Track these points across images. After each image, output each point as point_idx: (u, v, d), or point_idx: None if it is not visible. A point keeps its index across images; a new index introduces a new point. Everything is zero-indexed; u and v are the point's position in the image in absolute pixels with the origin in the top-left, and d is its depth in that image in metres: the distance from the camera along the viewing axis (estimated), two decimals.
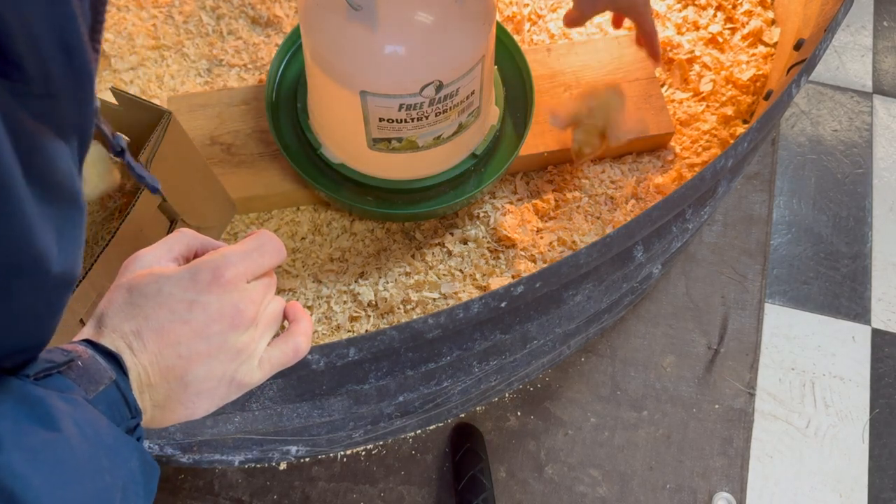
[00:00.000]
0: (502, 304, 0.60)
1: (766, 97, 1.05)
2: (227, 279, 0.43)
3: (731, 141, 1.01)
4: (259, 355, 0.45)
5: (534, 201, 1.03)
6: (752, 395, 1.02)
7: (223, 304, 0.42)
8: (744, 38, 1.15)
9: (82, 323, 0.75)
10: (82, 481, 0.32)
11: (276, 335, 0.48)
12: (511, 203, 1.03)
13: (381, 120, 0.82)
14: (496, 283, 0.96)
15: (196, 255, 0.48)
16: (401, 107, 0.80)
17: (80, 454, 0.32)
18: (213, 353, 0.42)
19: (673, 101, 1.11)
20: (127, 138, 0.55)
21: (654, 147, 1.07)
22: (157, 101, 1.07)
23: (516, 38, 1.06)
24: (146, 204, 0.79)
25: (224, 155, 0.99)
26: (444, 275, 0.97)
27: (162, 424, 0.42)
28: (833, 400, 1.07)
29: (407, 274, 0.98)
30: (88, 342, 0.39)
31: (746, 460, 0.99)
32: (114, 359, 0.39)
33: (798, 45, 0.93)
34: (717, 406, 1.01)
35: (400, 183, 0.94)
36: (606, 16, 1.17)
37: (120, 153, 0.47)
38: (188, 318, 0.41)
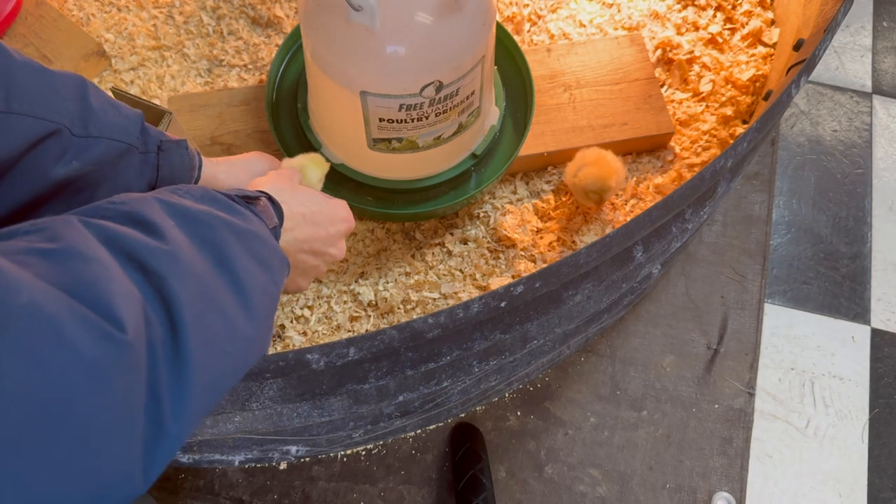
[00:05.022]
0: (502, 304, 0.60)
1: (766, 97, 1.05)
2: (343, 234, 0.64)
3: (731, 141, 1.01)
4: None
5: (534, 201, 1.03)
6: (752, 395, 1.03)
7: (340, 251, 0.64)
8: (743, 38, 1.15)
9: None
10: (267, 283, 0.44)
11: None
12: (511, 203, 1.03)
13: (381, 120, 0.82)
14: (496, 283, 0.96)
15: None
16: (401, 107, 0.80)
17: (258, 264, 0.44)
18: (314, 264, 0.62)
19: (672, 101, 1.11)
20: None
21: (653, 147, 1.07)
22: (157, 102, 1.07)
23: (516, 38, 1.06)
24: None
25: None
26: (444, 275, 0.98)
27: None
28: (833, 400, 1.07)
29: (407, 274, 0.98)
30: (264, 193, 0.53)
31: (746, 460, 0.99)
32: (279, 212, 0.53)
33: (798, 46, 0.93)
34: (716, 406, 1.02)
35: (400, 183, 0.94)
36: (606, 16, 1.17)
37: None
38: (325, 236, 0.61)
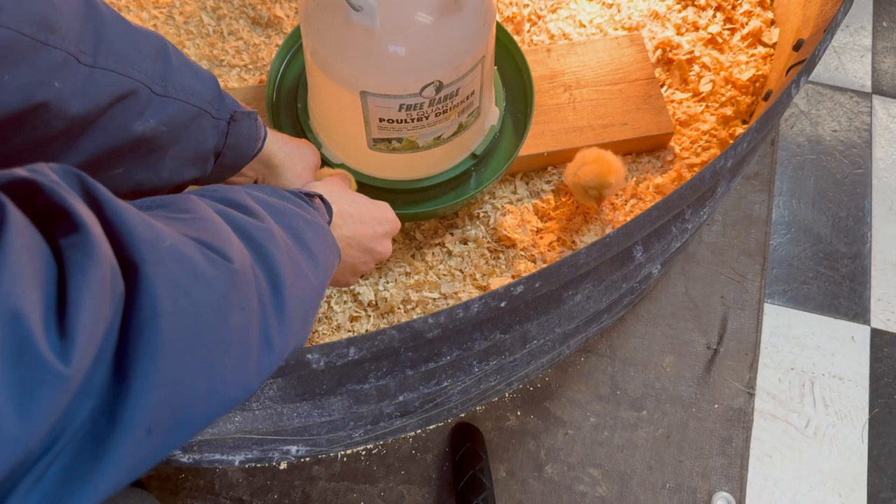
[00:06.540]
0: (502, 304, 0.60)
1: (766, 98, 1.05)
2: (389, 234, 0.70)
3: (731, 141, 1.01)
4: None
5: (534, 201, 1.03)
6: (752, 395, 1.03)
7: (386, 249, 0.70)
8: (743, 38, 1.15)
9: None
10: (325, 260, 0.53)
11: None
12: (511, 203, 1.03)
13: (381, 120, 0.82)
14: (496, 283, 0.96)
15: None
16: (401, 107, 0.80)
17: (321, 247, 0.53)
18: (363, 260, 0.68)
19: (672, 101, 1.11)
20: None
21: (653, 147, 1.07)
22: None
23: (516, 38, 1.06)
24: None
25: None
26: (444, 275, 0.98)
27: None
28: (832, 400, 1.07)
29: (407, 274, 0.98)
30: (318, 194, 0.60)
31: (746, 460, 0.99)
32: (329, 211, 0.60)
33: (797, 46, 0.93)
34: (716, 406, 1.02)
35: (400, 183, 0.94)
36: (606, 16, 1.17)
37: None
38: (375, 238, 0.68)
